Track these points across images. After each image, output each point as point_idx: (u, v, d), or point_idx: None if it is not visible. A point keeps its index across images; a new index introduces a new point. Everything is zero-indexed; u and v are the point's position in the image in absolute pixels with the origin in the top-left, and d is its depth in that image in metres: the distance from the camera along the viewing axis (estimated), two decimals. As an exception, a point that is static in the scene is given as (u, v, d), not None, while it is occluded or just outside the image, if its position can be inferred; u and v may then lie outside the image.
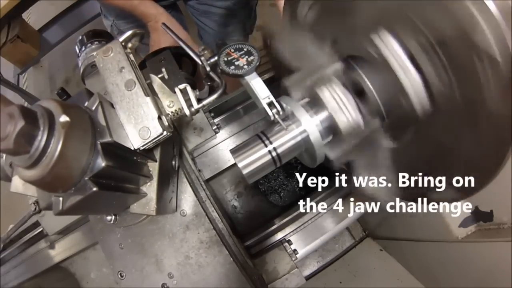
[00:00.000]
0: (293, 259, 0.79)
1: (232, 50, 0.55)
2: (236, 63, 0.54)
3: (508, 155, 0.37)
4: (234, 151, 0.52)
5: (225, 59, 0.55)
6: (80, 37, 0.69)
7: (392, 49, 0.43)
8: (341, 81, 0.51)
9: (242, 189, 1.24)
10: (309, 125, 0.50)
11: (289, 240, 0.83)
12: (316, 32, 0.55)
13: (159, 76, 0.55)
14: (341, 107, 0.50)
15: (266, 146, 0.50)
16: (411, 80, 0.42)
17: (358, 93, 0.52)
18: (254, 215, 1.21)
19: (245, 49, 0.55)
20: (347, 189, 0.90)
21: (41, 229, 0.86)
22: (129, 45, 0.51)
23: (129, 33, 0.50)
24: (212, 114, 0.86)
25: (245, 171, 0.50)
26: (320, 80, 0.52)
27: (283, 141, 0.51)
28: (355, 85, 0.52)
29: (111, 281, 0.63)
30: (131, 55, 0.49)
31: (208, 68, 0.56)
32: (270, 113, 0.50)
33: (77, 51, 0.70)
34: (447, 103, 0.41)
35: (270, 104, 0.51)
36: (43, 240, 0.89)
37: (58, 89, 0.69)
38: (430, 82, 0.41)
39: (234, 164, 0.79)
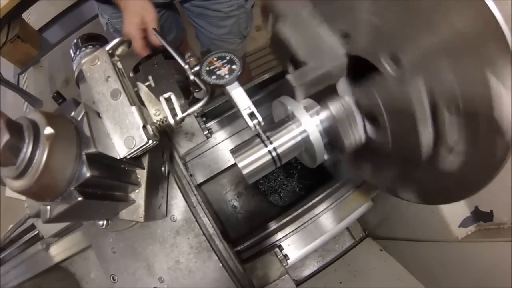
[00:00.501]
0: (284, 264, 0.78)
1: (215, 59, 0.53)
2: (218, 72, 0.52)
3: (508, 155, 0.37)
4: (234, 151, 0.52)
5: (207, 68, 0.53)
6: (75, 41, 0.69)
7: (417, 90, 0.39)
8: (354, 99, 0.49)
9: (242, 189, 1.24)
10: (309, 125, 0.50)
11: (280, 246, 0.83)
12: (326, 15, 0.50)
13: (146, 84, 0.55)
14: (351, 128, 0.49)
15: (266, 146, 0.50)
16: (425, 128, 0.41)
17: (368, 113, 0.50)
18: (254, 215, 1.21)
19: (227, 58, 0.53)
20: (346, 188, 0.90)
21: (41, 229, 0.86)
22: (118, 52, 0.50)
23: (116, 41, 0.50)
24: (204, 119, 0.85)
25: (245, 171, 0.50)
26: (327, 79, 0.50)
27: (283, 141, 0.51)
28: (368, 108, 0.49)
29: (111, 281, 0.64)
30: (118, 63, 0.49)
31: (191, 77, 0.56)
32: (250, 124, 0.49)
33: (72, 54, 0.70)
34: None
35: (251, 115, 0.49)
36: (43, 241, 0.89)
37: (53, 92, 0.69)
38: (442, 138, 0.40)
39: (234, 164, 0.80)
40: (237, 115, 0.95)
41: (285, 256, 0.80)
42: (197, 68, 0.55)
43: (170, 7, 1.15)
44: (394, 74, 0.42)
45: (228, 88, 0.51)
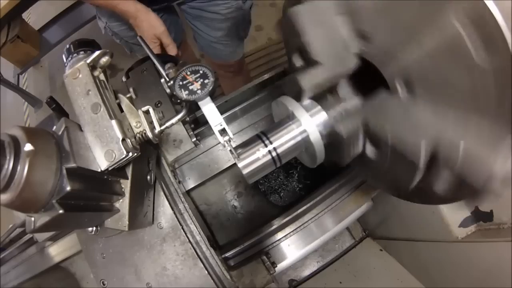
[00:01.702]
0: (271, 272, 0.78)
1: (188, 73, 0.52)
2: (190, 87, 0.51)
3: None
4: (234, 151, 0.52)
5: (180, 83, 0.52)
6: (68, 46, 0.69)
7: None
8: (363, 122, 0.48)
9: (242, 189, 1.24)
10: (309, 125, 0.50)
11: (267, 253, 0.82)
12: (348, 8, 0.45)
13: (127, 96, 0.55)
14: (352, 145, 0.49)
15: (266, 146, 0.50)
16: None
17: (373, 139, 0.48)
18: (254, 215, 1.21)
19: (201, 72, 0.52)
20: (346, 188, 0.90)
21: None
22: (100, 64, 0.50)
23: (97, 53, 0.50)
24: (192, 126, 0.84)
25: (245, 171, 0.50)
26: (333, 80, 0.49)
27: (283, 141, 0.51)
28: (373, 135, 0.47)
29: (101, 285, 0.65)
30: (101, 75, 0.50)
31: (167, 90, 0.55)
32: (221, 140, 0.49)
33: (64, 60, 0.70)
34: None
35: (223, 131, 0.49)
36: (37, 244, 0.89)
37: (47, 98, 0.69)
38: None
39: (234, 164, 0.79)
40: (237, 115, 0.96)
41: (273, 263, 0.79)
42: (172, 82, 0.54)
43: (169, 9, 1.15)
44: (404, 99, 0.41)
45: (200, 103, 0.51)
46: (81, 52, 0.68)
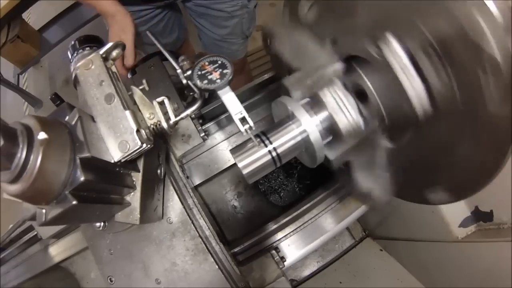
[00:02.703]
0: (280, 266, 0.78)
1: (207, 63, 0.53)
2: (209, 77, 0.52)
3: (508, 155, 0.37)
4: (234, 151, 0.52)
5: (199, 72, 0.53)
6: (73, 43, 0.69)
7: (394, 51, 0.42)
8: (342, 82, 0.51)
9: (242, 189, 1.24)
10: (309, 125, 0.50)
11: (276, 248, 0.82)
12: (316, 31, 0.55)
13: (140, 87, 0.55)
14: (342, 108, 0.49)
15: (266, 146, 0.50)
16: (412, 82, 0.42)
17: (359, 94, 0.52)
18: (254, 215, 1.21)
19: (219, 62, 0.53)
20: (346, 188, 0.90)
21: (41, 229, 0.86)
22: (112, 55, 0.50)
23: (110, 44, 0.49)
24: (201, 121, 0.85)
25: (245, 171, 0.50)
26: (321, 80, 0.52)
27: (283, 141, 0.51)
28: (356, 87, 0.52)
29: (108, 282, 0.64)
30: (113, 67, 0.49)
31: (184, 81, 0.55)
32: (242, 128, 0.49)
33: (70, 56, 0.70)
34: (447, 105, 0.41)
35: (243, 120, 0.49)
36: (41, 241, 0.89)
37: (51, 94, 0.69)
38: (431, 84, 0.41)
39: (234, 164, 0.79)
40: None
41: (282, 258, 0.80)
42: (189, 72, 0.54)
43: (173, 7, 1.15)
44: (378, 57, 0.44)
45: (219, 92, 0.51)
46: (87, 48, 0.68)
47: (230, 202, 1.23)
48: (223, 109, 0.95)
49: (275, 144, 0.51)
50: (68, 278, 0.97)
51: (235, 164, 0.51)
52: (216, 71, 0.52)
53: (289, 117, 0.53)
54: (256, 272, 0.78)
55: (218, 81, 0.51)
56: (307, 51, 0.55)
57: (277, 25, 0.63)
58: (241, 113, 0.49)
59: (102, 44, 0.71)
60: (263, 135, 0.52)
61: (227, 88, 0.51)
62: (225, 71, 0.52)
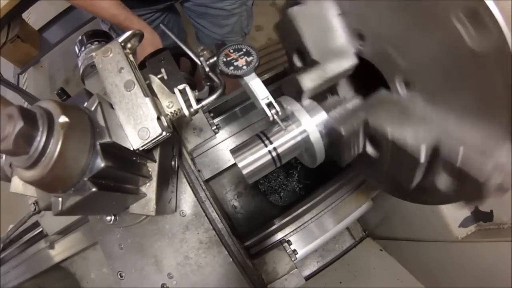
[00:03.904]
0: (293, 259, 0.79)
1: (231, 51, 0.55)
2: (235, 63, 0.53)
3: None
4: (234, 151, 0.51)
5: (224, 59, 0.54)
6: (80, 37, 0.69)
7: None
8: (361, 117, 0.46)
9: (242, 189, 1.24)
10: (309, 125, 0.50)
11: (288, 241, 0.83)
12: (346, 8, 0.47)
13: (159, 76, 0.55)
14: (353, 146, 0.49)
15: (266, 146, 0.50)
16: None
17: (373, 138, 0.47)
18: (254, 215, 1.21)
19: (244, 50, 0.54)
20: (347, 188, 0.90)
21: (41, 229, 0.86)
22: (129, 45, 0.50)
23: (128, 33, 0.50)
24: (212, 115, 0.86)
25: (245, 171, 0.50)
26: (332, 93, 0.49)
27: (283, 141, 0.51)
28: (376, 132, 0.46)
29: (111, 281, 0.63)
30: (130, 56, 0.49)
31: (207, 69, 0.56)
32: (269, 113, 0.50)
33: (77, 51, 0.70)
34: None
35: (269, 105, 0.50)
36: (43, 240, 0.90)
37: (57, 89, 0.69)
38: None
39: (234, 164, 0.79)
40: (237, 115, 0.96)
41: (294, 251, 0.81)
42: (212, 60, 0.56)
43: (172, 9, 1.15)
44: (403, 96, 0.41)
45: (246, 78, 0.52)
46: (95, 43, 0.68)
47: (230, 202, 1.23)
48: (224, 108, 0.95)
49: (275, 144, 0.51)
50: (68, 278, 0.97)
51: (235, 164, 0.51)
52: (241, 58, 0.54)
53: (289, 117, 0.53)
54: (269, 265, 0.78)
55: (245, 67, 0.52)
56: (330, 38, 0.49)
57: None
58: (268, 98, 0.50)
59: (109, 39, 0.72)
60: (263, 135, 0.52)
61: (253, 74, 0.53)
62: (250, 58, 0.53)
